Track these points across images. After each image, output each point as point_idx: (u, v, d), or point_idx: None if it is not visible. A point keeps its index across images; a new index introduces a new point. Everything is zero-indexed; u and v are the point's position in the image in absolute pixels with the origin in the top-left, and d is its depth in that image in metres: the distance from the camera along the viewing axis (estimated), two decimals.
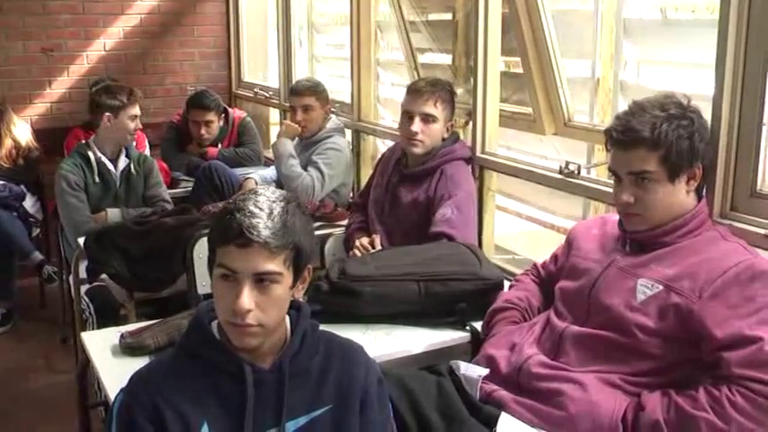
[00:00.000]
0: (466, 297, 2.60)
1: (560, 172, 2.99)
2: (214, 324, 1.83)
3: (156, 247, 3.39)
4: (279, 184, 4.55)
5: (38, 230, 5.63)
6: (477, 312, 2.60)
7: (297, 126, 4.40)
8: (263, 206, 1.74)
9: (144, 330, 2.45)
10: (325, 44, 6.34)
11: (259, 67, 6.61)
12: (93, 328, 3.68)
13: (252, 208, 1.73)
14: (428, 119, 3.29)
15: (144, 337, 2.40)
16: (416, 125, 3.28)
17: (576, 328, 2.23)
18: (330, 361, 1.87)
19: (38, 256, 5.31)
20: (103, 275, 3.55)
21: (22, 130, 5.57)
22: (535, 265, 2.69)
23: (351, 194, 4.50)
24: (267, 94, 5.86)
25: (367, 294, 2.56)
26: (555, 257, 2.59)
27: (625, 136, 2.17)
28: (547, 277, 2.59)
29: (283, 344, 1.83)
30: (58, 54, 6.03)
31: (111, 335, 2.53)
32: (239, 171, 4.94)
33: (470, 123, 3.94)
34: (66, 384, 4.53)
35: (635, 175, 2.18)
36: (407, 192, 3.38)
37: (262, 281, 1.72)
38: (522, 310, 2.50)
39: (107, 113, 4.16)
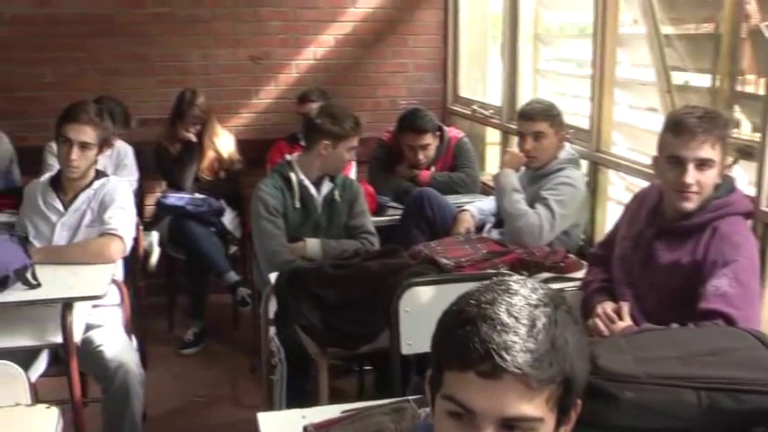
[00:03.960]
0: (764, 418, 1.90)
1: None
2: None
3: (356, 297, 2.88)
4: (498, 219, 3.99)
5: (235, 248, 5.33)
6: None
7: (522, 155, 3.82)
8: (522, 314, 1.18)
9: (333, 424, 1.93)
10: (550, 58, 5.73)
11: (478, 82, 6.05)
12: (282, 377, 3.26)
13: (504, 317, 1.17)
14: (704, 165, 2.58)
15: None
16: (691, 175, 2.57)
17: None
18: None
19: (233, 276, 5.01)
20: None
21: (225, 142, 5.31)
22: None
23: (582, 237, 3.85)
24: (487, 113, 5.28)
25: (627, 402, 1.91)
26: None
27: None
28: None
29: None
30: (266, 63, 5.74)
31: (294, 419, 2.06)
32: (452, 199, 4.37)
33: (738, 163, 3.21)
34: (250, 424, 4.18)
35: None
36: (666, 250, 2.69)
37: (511, 428, 1.15)
38: None
39: (325, 141, 3.74)
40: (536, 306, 1.20)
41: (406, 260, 3.07)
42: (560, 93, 5.27)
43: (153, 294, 5.00)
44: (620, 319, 2.70)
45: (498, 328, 1.16)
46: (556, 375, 1.17)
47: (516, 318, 1.17)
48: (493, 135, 5.71)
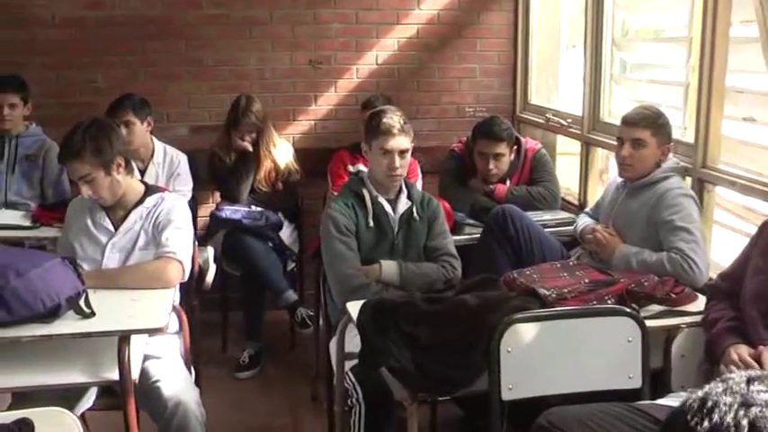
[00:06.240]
0: None
1: None
2: None
3: (453, 336, 2.52)
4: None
5: (293, 264, 5.01)
6: None
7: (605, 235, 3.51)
8: None
9: None
10: (627, 63, 5.36)
11: (549, 88, 5.67)
12: (359, 420, 2.92)
13: None
14: None
15: None
16: None
17: None
18: None
19: (292, 295, 4.69)
20: None
21: (282, 151, 5.00)
22: None
23: None
24: (565, 122, 4.92)
25: None
26: None
27: None
28: None
29: None
30: (326, 67, 5.43)
31: None
32: (531, 215, 3.99)
33: None
34: None
35: None
36: None
37: None
38: None
39: (365, 143, 3.47)
40: None
41: (506, 292, 2.72)
42: (639, 101, 4.90)
43: (205, 310, 4.69)
44: (760, 366, 2.34)
45: None
46: None
47: None
48: (565, 144, 5.35)
